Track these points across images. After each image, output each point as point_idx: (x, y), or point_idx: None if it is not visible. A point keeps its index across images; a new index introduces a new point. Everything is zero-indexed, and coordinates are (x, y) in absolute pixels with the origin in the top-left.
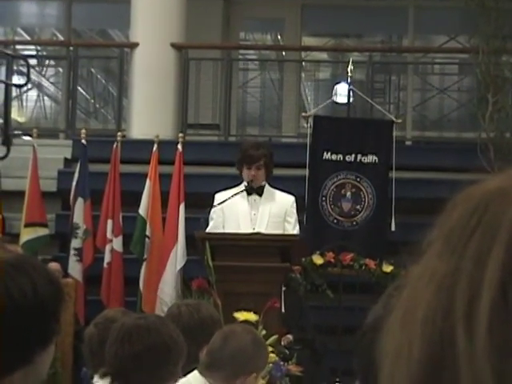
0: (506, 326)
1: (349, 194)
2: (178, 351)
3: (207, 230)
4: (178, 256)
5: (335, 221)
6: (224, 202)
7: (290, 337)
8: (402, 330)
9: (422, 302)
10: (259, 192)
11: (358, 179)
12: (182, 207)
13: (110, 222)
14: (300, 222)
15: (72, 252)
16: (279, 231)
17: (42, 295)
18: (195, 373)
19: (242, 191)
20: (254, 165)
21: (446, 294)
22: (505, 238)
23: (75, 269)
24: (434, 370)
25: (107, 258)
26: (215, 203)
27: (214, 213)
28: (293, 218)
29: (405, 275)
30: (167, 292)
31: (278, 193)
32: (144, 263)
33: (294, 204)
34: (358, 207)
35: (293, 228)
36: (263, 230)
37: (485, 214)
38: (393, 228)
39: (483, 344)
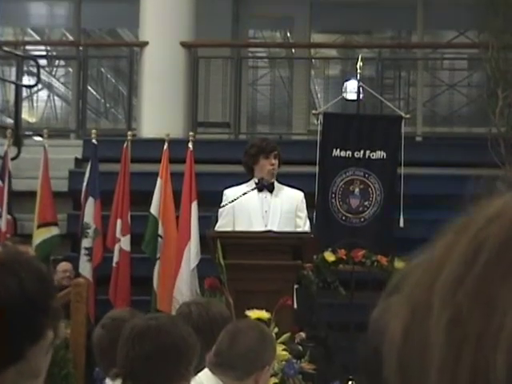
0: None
1: (357, 190)
2: (189, 352)
3: (216, 227)
4: (191, 255)
5: (343, 217)
6: (234, 201)
7: (302, 334)
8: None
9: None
10: (270, 189)
11: (366, 175)
12: (194, 206)
13: (119, 221)
14: (309, 218)
15: (83, 252)
16: (291, 227)
17: (29, 292)
18: (206, 371)
19: (253, 189)
20: (272, 153)
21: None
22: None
23: (86, 268)
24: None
25: (116, 257)
26: (225, 200)
27: (224, 210)
28: (303, 213)
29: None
30: (184, 291)
31: (287, 189)
32: (157, 262)
33: (304, 199)
34: (366, 203)
35: (304, 223)
36: (275, 227)
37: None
38: (401, 224)
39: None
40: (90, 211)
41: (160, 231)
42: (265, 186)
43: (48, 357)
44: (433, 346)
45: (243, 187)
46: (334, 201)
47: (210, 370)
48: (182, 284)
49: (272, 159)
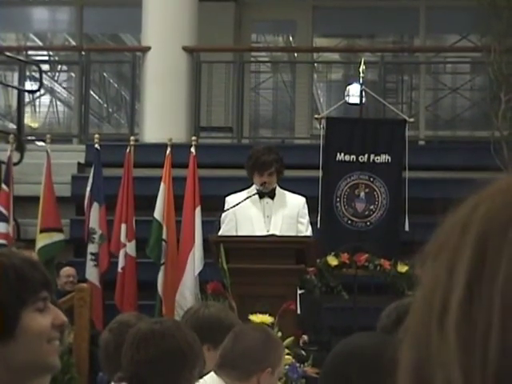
0: (472, 324)
1: (362, 194)
2: (194, 356)
3: (220, 233)
4: (195, 260)
5: (349, 221)
6: (236, 205)
7: (304, 337)
8: (402, 344)
9: (412, 313)
10: (271, 195)
11: (371, 179)
12: (198, 211)
13: (123, 226)
14: (313, 223)
15: (89, 257)
16: (293, 232)
17: None
18: (212, 374)
19: (254, 194)
20: (266, 172)
21: (427, 302)
22: (472, 237)
23: (93, 274)
24: (417, 375)
25: (121, 262)
26: (227, 206)
27: (226, 216)
28: (305, 218)
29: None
30: (187, 296)
31: (288, 194)
32: (162, 267)
33: (306, 205)
34: (372, 207)
35: (306, 229)
36: (277, 232)
37: (461, 218)
38: (406, 228)
39: (452, 343)
40: (95, 216)
41: (164, 236)
42: (265, 193)
43: (52, 345)
44: None
45: (244, 193)
46: (338, 205)
47: (215, 371)
48: (185, 289)
49: (265, 177)
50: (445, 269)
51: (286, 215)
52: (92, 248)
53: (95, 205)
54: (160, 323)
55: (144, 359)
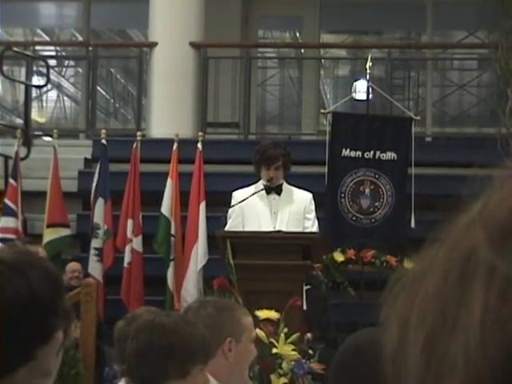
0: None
1: (367, 190)
2: (186, 351)
3: (226, 228)
4: (198, 254)
5: (354, 218)
6: (243, 200)
7: (309, 335)
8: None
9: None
10: (278, 191)
11: (377, 176)
12: (202, 206)
13: (130, 221)
14: (319, 218)
15: (92, 252)
16: (299, 229)
17: (37, 292)
18: None
19: (261, 190)
20: (273, 166)
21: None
22: None
23: (96, 269)
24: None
25: (127, 257)
26: (233, 202)
27: (233, 212)
28: (311, 214)
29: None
30: (190, 291)
31: (295, 190)
32: (171, 263)
33: (312, 201)
34: (377, 204)
35: (312, 225)
36: (284, 228)
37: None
38: (412, 225)
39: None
40: (99, 212)
41: (172, 231)
42: (272, 189)
43: (59, 357)
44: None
45: (251, 189)
46: (343, 201)
47: None
48: (188, 284)
49: (272, 171)
50: (497, 293)
51: (292, 211)
52: (95, 243)
53: (100, 200)
54: (156, 317)
55: (133, 352)
